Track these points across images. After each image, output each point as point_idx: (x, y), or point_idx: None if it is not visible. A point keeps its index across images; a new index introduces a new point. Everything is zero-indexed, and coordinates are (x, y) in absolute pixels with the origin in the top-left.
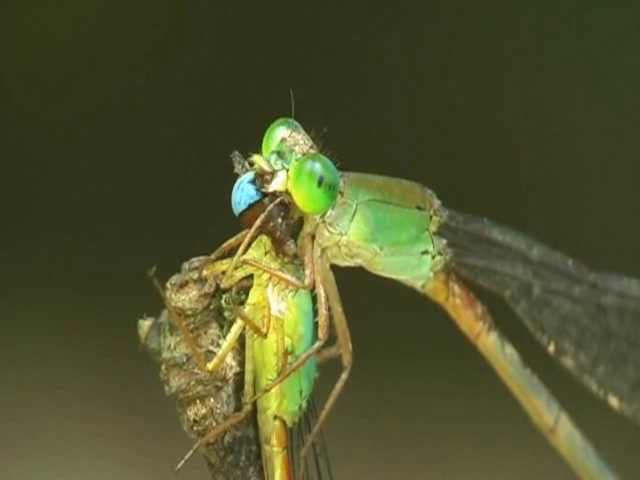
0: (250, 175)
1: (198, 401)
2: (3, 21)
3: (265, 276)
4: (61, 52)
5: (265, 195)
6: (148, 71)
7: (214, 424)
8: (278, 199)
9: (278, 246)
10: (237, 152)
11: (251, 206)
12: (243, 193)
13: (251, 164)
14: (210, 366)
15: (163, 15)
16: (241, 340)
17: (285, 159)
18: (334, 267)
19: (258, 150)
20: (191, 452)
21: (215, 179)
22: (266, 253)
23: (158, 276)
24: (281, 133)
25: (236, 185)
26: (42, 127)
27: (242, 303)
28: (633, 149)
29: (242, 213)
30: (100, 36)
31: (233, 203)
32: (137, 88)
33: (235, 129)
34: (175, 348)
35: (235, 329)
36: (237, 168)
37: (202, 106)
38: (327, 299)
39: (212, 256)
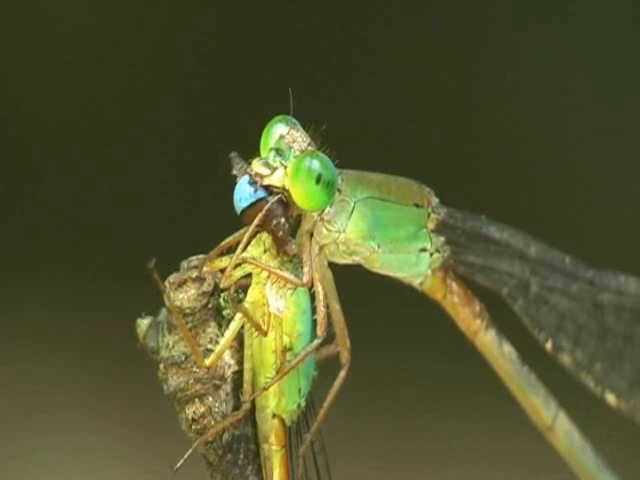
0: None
1: (197, 400)
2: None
3: (264, 274)
4: (60, 51)
5: (266, 193)
6: (147, 71)
7: (213, 423)
8: (277, 196)
9: (280, 246)
10: (236, 153)
11: (252, 205)
12: (244, 191)
13: (249, 165)
14: (207, 362)
15: (163, 15)
16: (240, 338)
17: (283, 156)
18: (332, 265)
19: (257, 149)
20: (190, 451)
21: (214, 178)
22: (265, 251)
23: (158, 274)
24: (279, 130)
25: (237, 184)
26: (44, 125)
27: (241, 302)
28: (632, 144)
29: (243, 211)
30: (98, 36)
31: (235, 201)
32: (137, 88)
33: (235, 128)
34: (173, 347)
35: (233, 326)
36: (235, 169)
37: (202, 105)
38: (325, 297)
39: (211, 255)
